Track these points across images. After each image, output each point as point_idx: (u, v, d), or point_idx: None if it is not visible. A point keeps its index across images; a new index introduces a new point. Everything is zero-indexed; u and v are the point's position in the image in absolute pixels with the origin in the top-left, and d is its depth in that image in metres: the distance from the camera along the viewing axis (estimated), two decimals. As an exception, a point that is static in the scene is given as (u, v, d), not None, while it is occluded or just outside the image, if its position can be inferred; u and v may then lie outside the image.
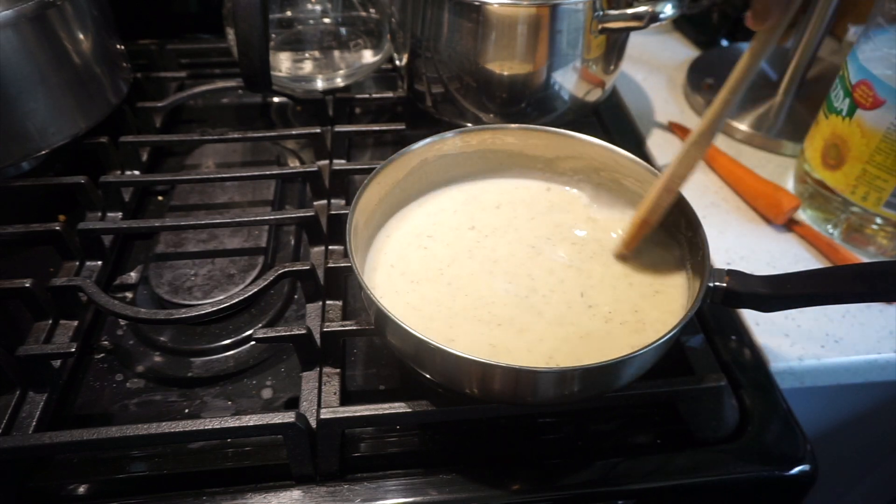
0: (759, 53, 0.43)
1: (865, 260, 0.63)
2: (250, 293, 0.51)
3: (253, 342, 0.54)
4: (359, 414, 0.44)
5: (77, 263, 0.58)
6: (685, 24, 1.01)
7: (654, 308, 0.48)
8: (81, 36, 0.63)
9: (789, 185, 0.72)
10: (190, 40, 0.91)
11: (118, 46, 0.72)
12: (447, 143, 0.55)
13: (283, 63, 0.79)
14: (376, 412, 0.44)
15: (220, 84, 0.77)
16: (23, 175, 0.66)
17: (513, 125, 0.56)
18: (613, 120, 0.81)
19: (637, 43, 0.92)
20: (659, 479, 0.46)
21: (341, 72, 0.79)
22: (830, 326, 0.57)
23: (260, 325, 0.56)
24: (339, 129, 0.71)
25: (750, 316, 0.57)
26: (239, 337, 0.55)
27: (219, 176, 0.65)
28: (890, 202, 0.60)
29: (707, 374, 0.49)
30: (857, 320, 0.58)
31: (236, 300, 0.51)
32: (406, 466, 0.46)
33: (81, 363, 0.53)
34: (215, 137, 0.70)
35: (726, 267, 0.45)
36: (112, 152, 0.68)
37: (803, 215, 0.68)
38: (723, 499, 0.48)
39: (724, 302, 0.44)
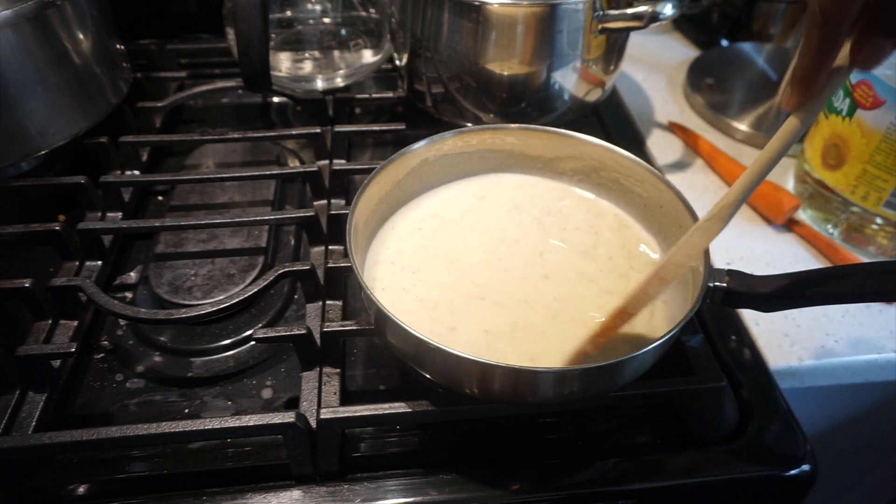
0: (791, 137, 0.36)
1: (865, 260, 0.63)
2: (250, 293, 0.51)
3: (253, 342, 0.54)
4: (359, 414, 0.44)
5: (77, 263, 0.58)
6: (685, 24, 1.01)
7: (653, 307, 0.48)
8: (81, 36, 0.63)
9: (789, 185, 0.72)
10: (190, 40, 0.91)
11: (118, 46, 0.72)
12: (447, 143, 0.55)
13: (283, 63, 0.79)
14: (376, 412, 0.44)
15: (220, 84, 0.77)
16: (23, 175, 0.66)
17: (513, 125, 0.56)
18: (613, 120, 0.81)
19: (637, 43, 0.92)
20: (659, 479, 0.46)
21: (341, 72, 0.79)
22: (830, 326, 0.57)
23: (260, 325, 0.56)
24: (339, 129, 0.71)
25: (750, 316, 0.57)
26: (239, 337, 0.55)
27: (219, 176, 0.65)
28: (890, 202, 0.60)
29: (707, 374, 0.49)
30: (857, 320, 0.58)
31: (236, 300, 0.51)
32: (406, 466, 0.46)
33: (81, 363, 0.53)
34: (215, 137, 0.70)
35: (726, 267, 0.45)
36: (112, 152, 0.68)
37: (803, 215, 0.68)
38: (723, 499, 0.48)
39: (724, 302, 0.44)
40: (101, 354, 0.54)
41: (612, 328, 0.44)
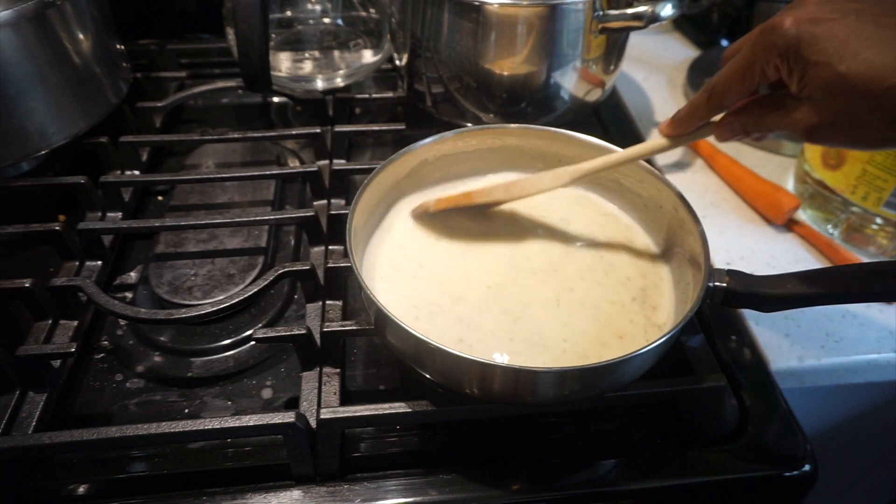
0: (653, 151, 0.48)
1: (865, 260, 0.63)
2: (250, 293, 0.51)
3: (253, 342, 0.54)
4: (359, 414, 0.44)
5: (77, 263, 0.58)
6: (685, 24, 1.01)
7: (653, 308, 0.48)
8: (81, 36, 0.63)
9: (789, 185, 0.72)
10: (190, 40, 0.91)
11: (118, 46, 0.72)
12: (447, 143, 0.55)
13: (283, 63, 0.79)
14: (376, 412, 0.44)
15: (220, 84, 0.77)
16: (23, 175, 0.66)
17: (513, 125, 0.56)
18: (613, 120, 0.81)
19: (637, 43, 0.92)
20: (659, 479, 0.46)
21: (341, 72, 0.79)
22: (830, 326, 0.57)
23: (260, 325, 0.56)
24: (339, 129, 0.71)
25: (750, 316, 0.57)
26: (239, 337, 0.55)
27: (219, 176, 0.65)
28: (890, 202, 0.60)
29: (707, 374, 0.49)
30: (857, 320, 0.58)
31: (236, 300, 0.51)
32: (406, 466, 0.46)
33: (81, 363, 0.53)
34: (215, 137, 0.70)
35: (726, 267, 0.45)
36: (112, 152, 0.68)
37: (803, 215, 0.68)
38: (723, 499, 0.48)
39: (724, 302, 0.44)
40: (101, 354, 0.54)
41: (454, 201, 0.53)
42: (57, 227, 0.56)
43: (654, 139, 0.48)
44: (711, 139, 0.45)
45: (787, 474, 0.46)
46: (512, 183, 0.52)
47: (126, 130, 0.71)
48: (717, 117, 0.44)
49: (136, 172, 0.69)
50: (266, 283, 0.52)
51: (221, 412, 0.50)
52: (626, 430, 0.49)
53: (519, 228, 0.54)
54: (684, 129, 0.45)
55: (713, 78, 0.41)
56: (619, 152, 0.50)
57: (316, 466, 0.45)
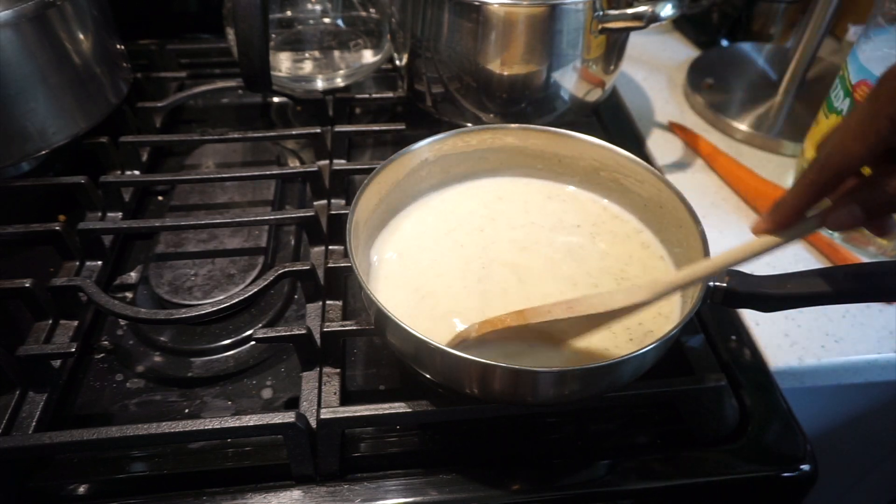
0: (752, 254, 0.37)
1: (865, 260, 0.63)
2: (250, 293, 0.51)
3: (253, 342, 0.54)
4: (359, 414, 0.44)
5: (77, 263, 0.58)
6: (685, 24, 1.01)
7: (653, 307, 0.48)
8: (81, 36, 0.63)
9: (789, 184, 0.71)
10: (190, 40, 0.91)
11: (118, 46, 0.72)
12: (447, 143, 0.55)
13: (283, 63, 0.79)
14: (376, 412, 0.44)
15: (220, 84, 0.77)
16: (23, 175, 0.66)
17: (513, 125, 0.56)
18: (613, 120, 0.81)
19: (637, 43, 0.92)
20: (659, 479, 0.46)
21: (341, 72, 0.79)
22: (830, 326, 0.57)
23: (260, 325, 0.56)
24: (339, 129, 0.71)
25: (750, 316, 0.57)
26: (239, 337, 0.55)
27: (219, 176, 0.65)
28: (890, 202, 0.60)
29: (707, 374, 0.49)
30: (857, 320, 0.58)
31: (236, 300, 0.51)
32: (406, 466, 0.46)
33: (81, 363, 0.53)
34: (215, 137, 0.70)
35: (726, 267, 0.45)
36: (112, 152, 0.68)
37: (803, 215, 0.68)
38: (723, 499, 0.48)
39: (724, 302, 0.44)
40: (101, 354, 0.54)
41: (503, 322, 0.43)
42: (57, 227, 0.56)
43: (754, 240, 0.37)
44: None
45: (787, 474, 0.46)
46: (576, 300, 0.43)
47: (126, 130, 0.71)
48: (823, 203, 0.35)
49: (137, 172, 0.69)
50: (266, 283, 0.52)
51: (221, 412, 0.50)
52: (626, 430, 0.49)
53: (522, 232, 0.54)
54: (790, 220, 0.36)
55: (821, 154, 0.33)
56: (707, 262, 0.40)
57: (316, 466, 0.45)
